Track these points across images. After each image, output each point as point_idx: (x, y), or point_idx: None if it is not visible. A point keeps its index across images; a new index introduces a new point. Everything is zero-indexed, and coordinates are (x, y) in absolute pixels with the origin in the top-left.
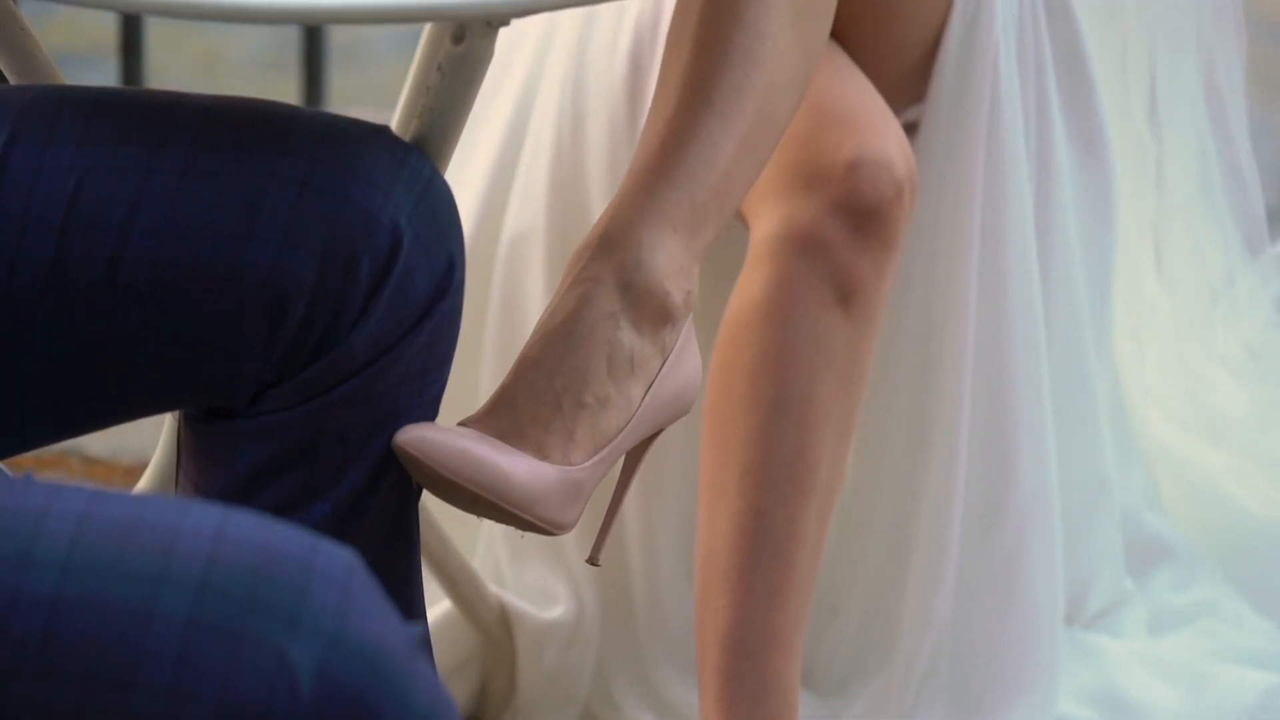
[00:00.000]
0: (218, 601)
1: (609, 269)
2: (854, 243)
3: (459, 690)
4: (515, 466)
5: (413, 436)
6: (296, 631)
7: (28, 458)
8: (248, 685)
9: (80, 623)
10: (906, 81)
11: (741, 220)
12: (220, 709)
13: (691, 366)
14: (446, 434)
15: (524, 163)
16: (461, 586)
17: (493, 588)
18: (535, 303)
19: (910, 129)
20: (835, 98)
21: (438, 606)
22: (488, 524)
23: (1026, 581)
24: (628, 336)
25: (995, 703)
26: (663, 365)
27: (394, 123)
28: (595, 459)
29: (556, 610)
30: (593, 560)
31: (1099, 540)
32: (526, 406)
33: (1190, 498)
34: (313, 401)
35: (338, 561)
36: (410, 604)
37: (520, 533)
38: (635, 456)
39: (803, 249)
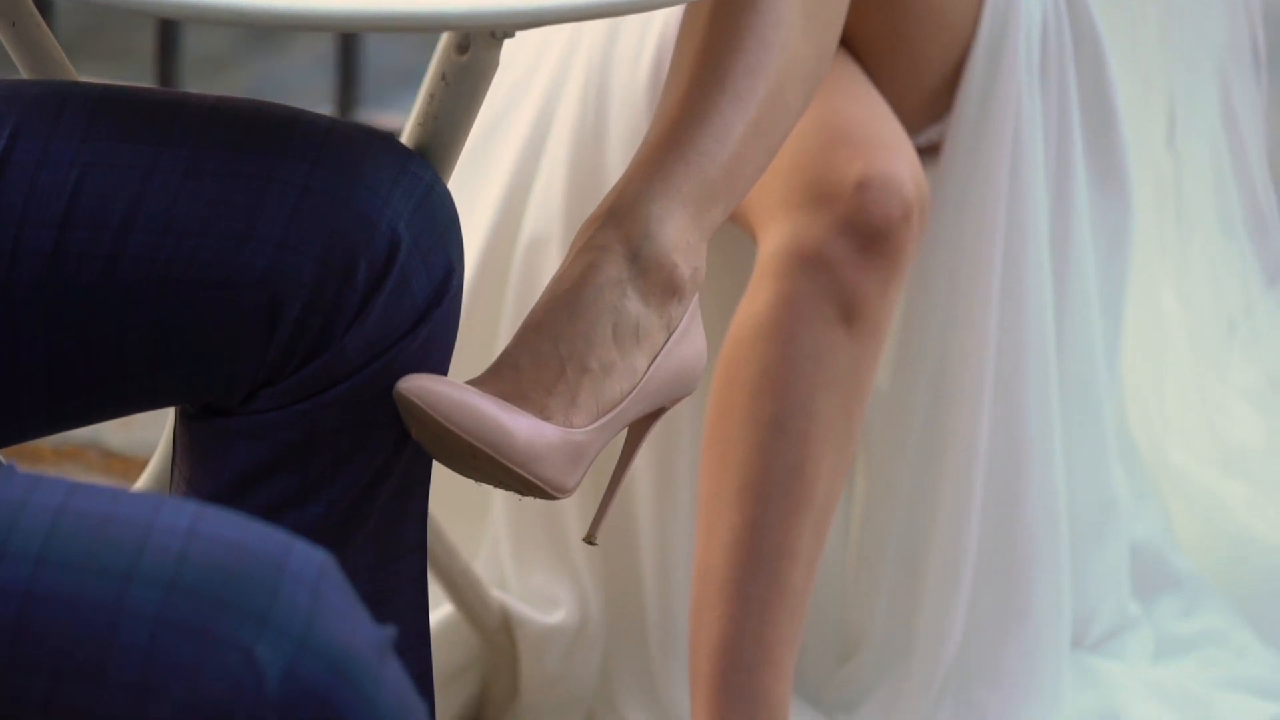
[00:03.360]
0: (187, 598)
1: (617, 238)
2: (860, 262)
3: (460, 694)
4: (517, 424)
5: (415, 385)
6: (265, 630)
7: (48, 449)
8: (214, 683)
9: (51, 616)
10: (927, 100)
11: (749, 234)
12: (186, 705)
13: (697, 346)
14: (449, 385)
15: (544, 168)
16: (463, 590)
17: (495, 592)
18: None
19: (932, 149)
20: (847, 116)
21: (439, 610)
22: (491, 528)
23: (1034, 602)
24: (634, 305)
25: None
26: (668, 339)
27: (405, 131)
28: (598, 424)
29: (559, 614)
30: (589, 539)
31: (1106, 563)
32: (530, 369)
33: (1204, 527)
34: (305, 402)
35: (310, 562)
36: (412, 608)
37: (526, 533)
38: (638, 433)
39: (808, 267)
